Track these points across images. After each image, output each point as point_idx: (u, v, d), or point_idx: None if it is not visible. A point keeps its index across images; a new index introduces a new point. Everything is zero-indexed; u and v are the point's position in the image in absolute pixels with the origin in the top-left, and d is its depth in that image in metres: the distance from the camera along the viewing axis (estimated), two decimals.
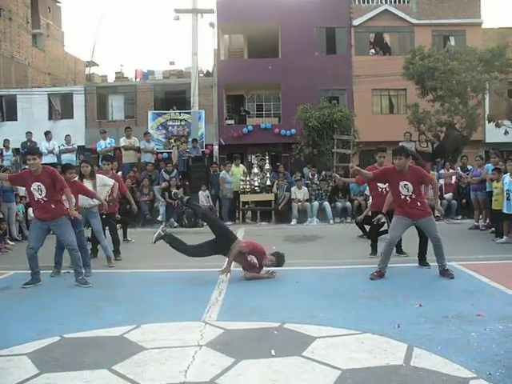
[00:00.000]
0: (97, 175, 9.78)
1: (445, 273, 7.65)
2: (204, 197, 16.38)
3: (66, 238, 7.79)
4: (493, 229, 12.31)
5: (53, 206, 7.69)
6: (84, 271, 7.98)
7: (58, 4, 38.89)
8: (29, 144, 18.66)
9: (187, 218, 15.74)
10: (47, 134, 18.71)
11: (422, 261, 8.56)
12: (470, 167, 16.30)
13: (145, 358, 4.51)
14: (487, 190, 12.79)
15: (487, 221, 13.36)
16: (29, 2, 33.55)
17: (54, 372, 4.25)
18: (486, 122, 22.04)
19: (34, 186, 7.62)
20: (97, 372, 4.23)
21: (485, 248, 10.35)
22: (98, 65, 37.25)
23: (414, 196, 7.72)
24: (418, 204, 7.75)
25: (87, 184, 9.34)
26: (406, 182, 7.70)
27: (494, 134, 23.98)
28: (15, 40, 32.10)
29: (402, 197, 7.76)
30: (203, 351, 4.65)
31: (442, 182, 16.51)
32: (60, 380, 4.10)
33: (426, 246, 8.59)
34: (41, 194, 7.63)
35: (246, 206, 17.00)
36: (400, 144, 17.06)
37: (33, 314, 6.24)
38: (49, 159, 17.51)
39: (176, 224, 15.85)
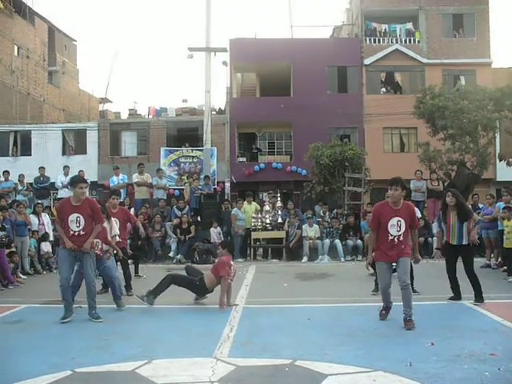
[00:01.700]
0: (112, 219, 9.85)
1: (406, 322, 7.03)
2: (216, 233, 16.41)
3: (88, 270, 7.71)
4: (505, 267, 12.23)
5: (84, 240, 7.57)
6: (96, 306, 7.95)
7: (74, 42, 39.66)
8: (41, 179, 18.89)
9: (198, 255, 15.75)
10: (65, 168, 18.93)
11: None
12: (481, 205, 16.26)
13: None
14: (499, 228, 12.75)
15: (499, 259, 13.28)
16: (46, 40, 34.34)
17: None
18: (497, 160, 22.03)
19: (72, 217, 7.49)
20: None
21: (497, 287, 10.26)
22: (111, 101, 37.80)
23: (402, 238, 7.24)
24: (403, 247, 7.26)
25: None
26: (399, 219, 7.21)
27: (505, 172, 23.95)
28: (32, 77, 32.73)
29: (390, 238, 7.26)
30: None
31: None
32: None
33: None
34: (78, 227, 7.48)
35: (258, 243, 16.99)
36: (412, 181, 17.21)
37: (44, 347, 6.25)
38: (64, 193, 17.72)
39: (184, 260, 15.85)
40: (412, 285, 9.32)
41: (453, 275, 8.89)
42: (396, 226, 7.19)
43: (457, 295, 8.85)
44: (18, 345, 6.38)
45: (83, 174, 18.81)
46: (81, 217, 7.54)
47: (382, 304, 7.67)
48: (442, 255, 9.27)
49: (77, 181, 7.94)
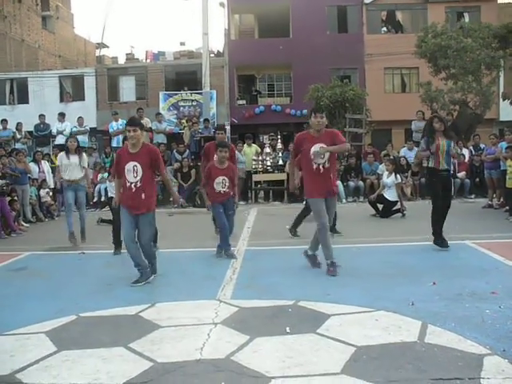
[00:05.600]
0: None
1: (311, 260, 7.13)
2: None
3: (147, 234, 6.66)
4: (507, 207, 12.23)
5: (143, 197, 6.49)
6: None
7: None
8: (42, 126, 18.75)
9: (200, 198, 15.74)
10: (61, 115, 18.71)
11: (436, 239, 8.29)
12: (482, 146, 16.18)
13: (160, 336, 4.55)
14: (501, 168, 12.70)
15: (501, 199, 13.28)
16: None
17: (72, 349, 4.30)
18: (501, 99, 21.79)
19: (129, 166, 6.46)
20: (114, 350, 4.27)
21: (499, 226, 10.29)
22: (108, 46, 37.27)
23: (327, 165, 6.69)
24: (331, 176, 6.78)
25: (73, 159, 9.50)
26: (321, 145, 6.62)
27: (508, 111, 23.78)
28: (25, 23, 32.10)
29: (315, 166, 6.71)
30: (218, 329, 4.69)
31: (455, 160, 16.42)
32: (78, 357, 4.14)
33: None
34: (136, 177, 6.44)
35: (259, 186, 17.00)
36: (413, 122, 17.11)
37: (49, 293, 6.30)
38: (59, 140, 17.62)
39: (186, 204, 15.87)
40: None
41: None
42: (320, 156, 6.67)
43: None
44: (22, 291, 6.42)
45: (82, 121, 18.73)
46: (138, 165, 6.46)
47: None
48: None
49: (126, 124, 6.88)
